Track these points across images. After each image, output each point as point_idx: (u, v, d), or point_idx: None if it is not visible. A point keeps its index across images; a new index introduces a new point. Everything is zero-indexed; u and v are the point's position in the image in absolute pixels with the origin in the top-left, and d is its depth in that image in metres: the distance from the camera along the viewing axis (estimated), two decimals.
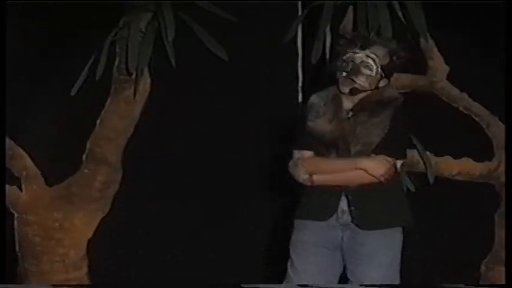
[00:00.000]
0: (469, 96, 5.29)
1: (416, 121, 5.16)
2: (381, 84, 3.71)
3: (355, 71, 3.67)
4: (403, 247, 3.72)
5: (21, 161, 5.25)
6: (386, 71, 3.71)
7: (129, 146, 5.32)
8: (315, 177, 3.66)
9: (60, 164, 5.28)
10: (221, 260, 5.26)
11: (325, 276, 3.69)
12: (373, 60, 3.70)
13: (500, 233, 5.24)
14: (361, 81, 3.70)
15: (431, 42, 5.22)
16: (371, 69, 3.70)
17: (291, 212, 3.77)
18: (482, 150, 5.30)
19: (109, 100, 5.30)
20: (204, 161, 5.31)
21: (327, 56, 5.31)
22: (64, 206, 5.27)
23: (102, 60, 5.09)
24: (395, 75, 5.29)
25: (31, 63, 5.21)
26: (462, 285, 4.99)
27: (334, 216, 3.67)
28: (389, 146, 3.68)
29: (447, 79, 5.31)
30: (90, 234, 5.30)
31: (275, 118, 5.22)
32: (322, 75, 5.31)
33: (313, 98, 3.77)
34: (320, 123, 3.68)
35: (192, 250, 5.26)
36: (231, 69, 5.19)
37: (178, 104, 5.26)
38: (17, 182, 5.24)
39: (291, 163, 3.75)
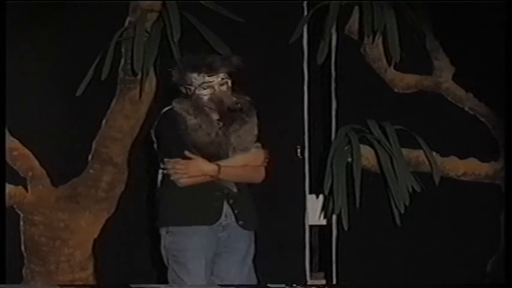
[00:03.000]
0: (475, 96, 5.29)
1: (422, 121, 5.21)
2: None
3: (221, 94, 3.95)
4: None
5: (27, 161, 5.25)
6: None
7: (135, 146, 5.33)
8: (223, 169, 3.88)
9: (66, 164, 5.29)
10: None
11: (220, 277, 3.95)
12: (226, 78, 3.99)
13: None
14: (229, 98, 3.96)
15: (436, 42, 5.22)
16: (229, 84, 3.99)
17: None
18: (488, 151, 5.30)
19: (115, 100, 5.31)
20: None
21: (333, 57, 5.31)
22: (70, 206, 5.28)
23: (108, 61, 5.11)
24: (400, 75, 5.36)
25: (37, 63, 5.22)
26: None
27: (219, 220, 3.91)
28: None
29: (452, 79, 5.31)
30: (96, 235, 5.31)
31: (280, 119, 5.23)
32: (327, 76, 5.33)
33: (179, 110, 3.97)
34: (201, 136, 3.90)
35: None
36: None
37: None
38: (22, 182, 5.26)
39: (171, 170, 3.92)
